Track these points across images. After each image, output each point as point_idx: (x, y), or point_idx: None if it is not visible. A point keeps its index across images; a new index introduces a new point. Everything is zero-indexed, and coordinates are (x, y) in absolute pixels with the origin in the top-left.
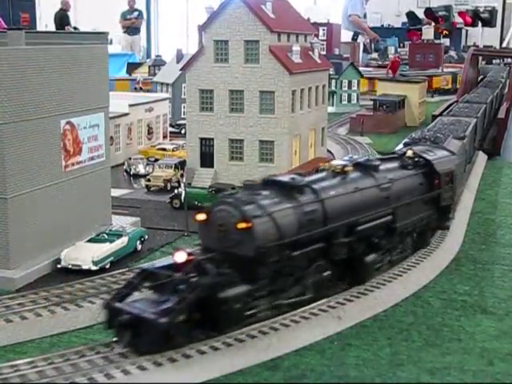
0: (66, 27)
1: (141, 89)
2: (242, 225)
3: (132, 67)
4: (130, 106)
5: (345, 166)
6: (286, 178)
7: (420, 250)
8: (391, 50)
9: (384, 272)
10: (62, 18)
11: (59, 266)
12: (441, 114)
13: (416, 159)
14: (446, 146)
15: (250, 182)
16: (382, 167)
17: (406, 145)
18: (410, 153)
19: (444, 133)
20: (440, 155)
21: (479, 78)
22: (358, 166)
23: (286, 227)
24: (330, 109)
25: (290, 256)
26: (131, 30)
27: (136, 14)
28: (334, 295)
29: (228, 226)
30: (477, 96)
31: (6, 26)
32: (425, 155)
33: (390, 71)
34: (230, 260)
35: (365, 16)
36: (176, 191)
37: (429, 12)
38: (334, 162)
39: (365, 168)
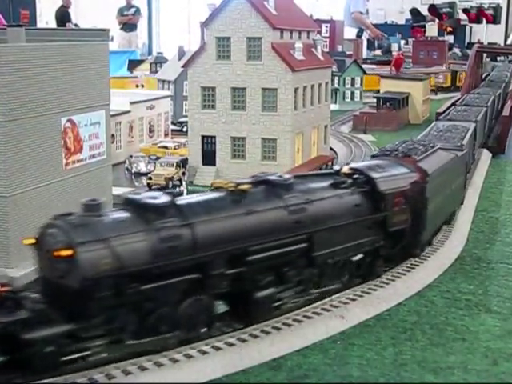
0: (67, 24)
1: (142, 86)
2: (62, 252)
3: (133, 64)
4: (131, 103)
5: (240, 183)
6: (144, 198)
7: (367, 281)
8: (395, 47)
9: (298, 309)
10: (62, 15)
11: None
12: (444, 112)
13: (355, 176)
14: (433, 158)
15: (92, 201)
16: (299, 186)
17: (373, 157)
18: (346, 169)
19: (433, 143)
20: (394, 172)
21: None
22: (264, 183)
23: (129, 255)
24: (333, 106)
25: (140, 290)
26: (128, 26)
27: (133, 10)
28: (229, 333)
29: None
30: (477, 97)
31: (6, 23)
32: (369, 172)
33: (393, 68)
34: (53, 293)
35: (367, 12)
36: (178, 189)
37: (432, 9)
38: (235, 180)
39: (273, 186)
